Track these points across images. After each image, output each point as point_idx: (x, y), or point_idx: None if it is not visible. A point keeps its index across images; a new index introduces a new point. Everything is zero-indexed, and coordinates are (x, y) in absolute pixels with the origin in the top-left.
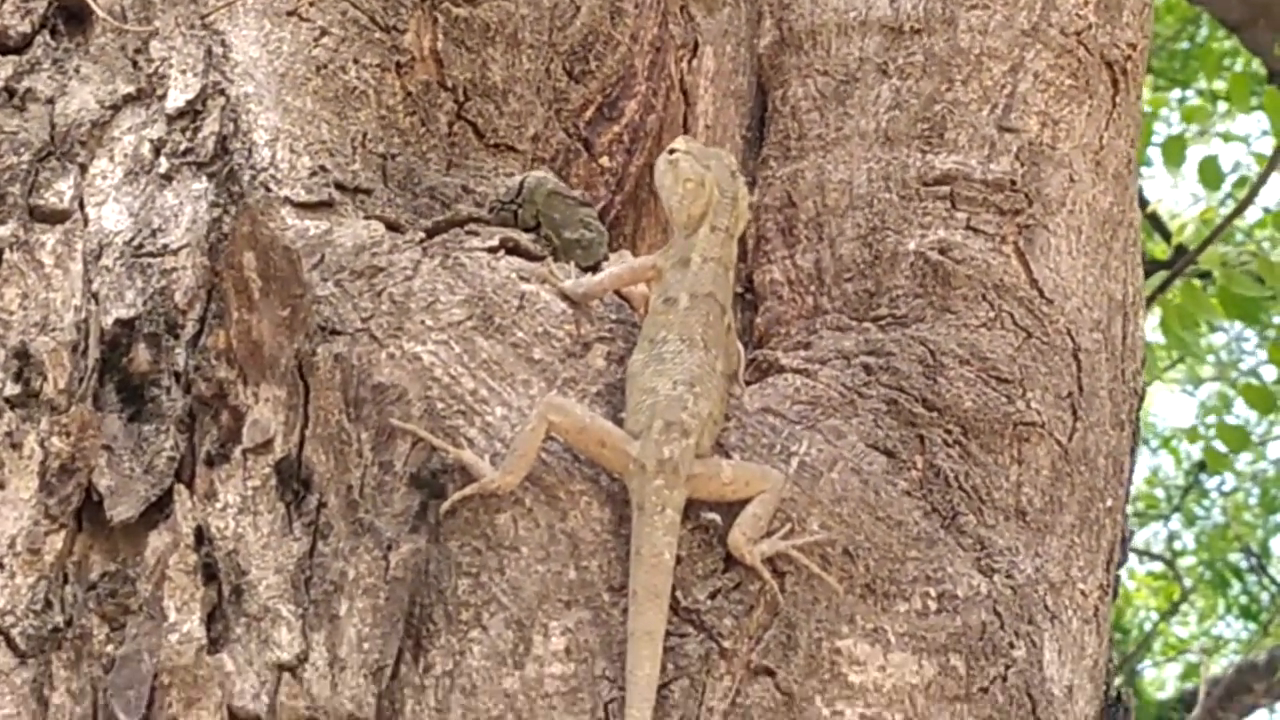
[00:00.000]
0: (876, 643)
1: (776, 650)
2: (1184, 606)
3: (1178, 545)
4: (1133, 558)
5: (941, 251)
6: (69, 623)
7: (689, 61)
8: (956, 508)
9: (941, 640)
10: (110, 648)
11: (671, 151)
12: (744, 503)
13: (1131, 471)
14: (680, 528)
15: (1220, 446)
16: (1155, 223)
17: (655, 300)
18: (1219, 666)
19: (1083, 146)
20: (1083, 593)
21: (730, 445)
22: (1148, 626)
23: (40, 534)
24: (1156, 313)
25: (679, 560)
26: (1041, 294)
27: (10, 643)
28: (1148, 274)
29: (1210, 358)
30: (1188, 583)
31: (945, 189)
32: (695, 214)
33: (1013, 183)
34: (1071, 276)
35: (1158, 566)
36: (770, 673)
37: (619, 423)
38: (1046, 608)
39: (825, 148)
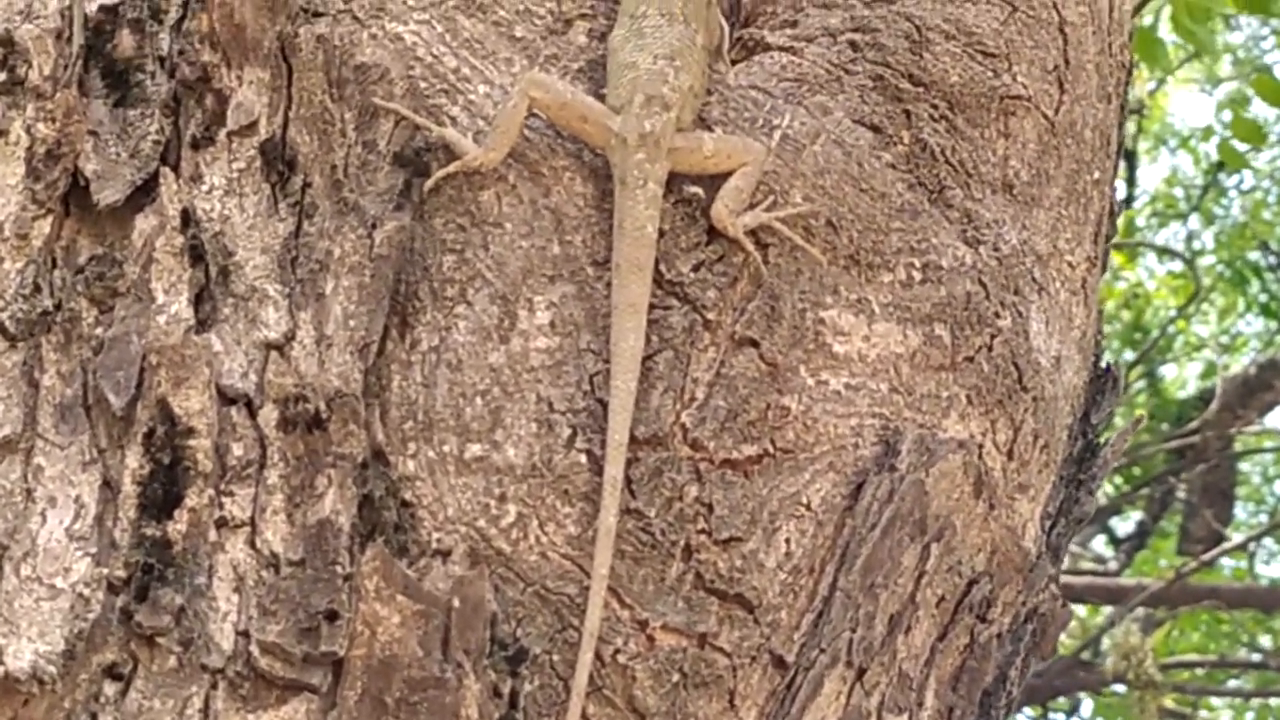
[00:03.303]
0: (861, 313)
1: (760, 321)
2: (1204, 305)
3: (1196, 245)
4: (1151, 257)
5: None
6: (58, 306)
7: None
8: (943, 182)
9: (926, 310)
10: (99, 330)
11: None
12: (726, 175)
13: (1120, 145)
14: (663, 201)
15: (1238, 146)
16: None
17: None
18: (1239, 365)
19: None
20: (1070, 264)
21: (712, 119)
22: (1169, 330)
23: (28, 219)
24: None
25: (662, 233)
26: None
27: (0, 327)
28: None
29: (1228, 57)
30: (1207, 282)
31: None
32: None
33: None
34: None
35: (1177, 266)
36: (754, 343)
37: (601, 98)
38: (1033, 279)
39: None
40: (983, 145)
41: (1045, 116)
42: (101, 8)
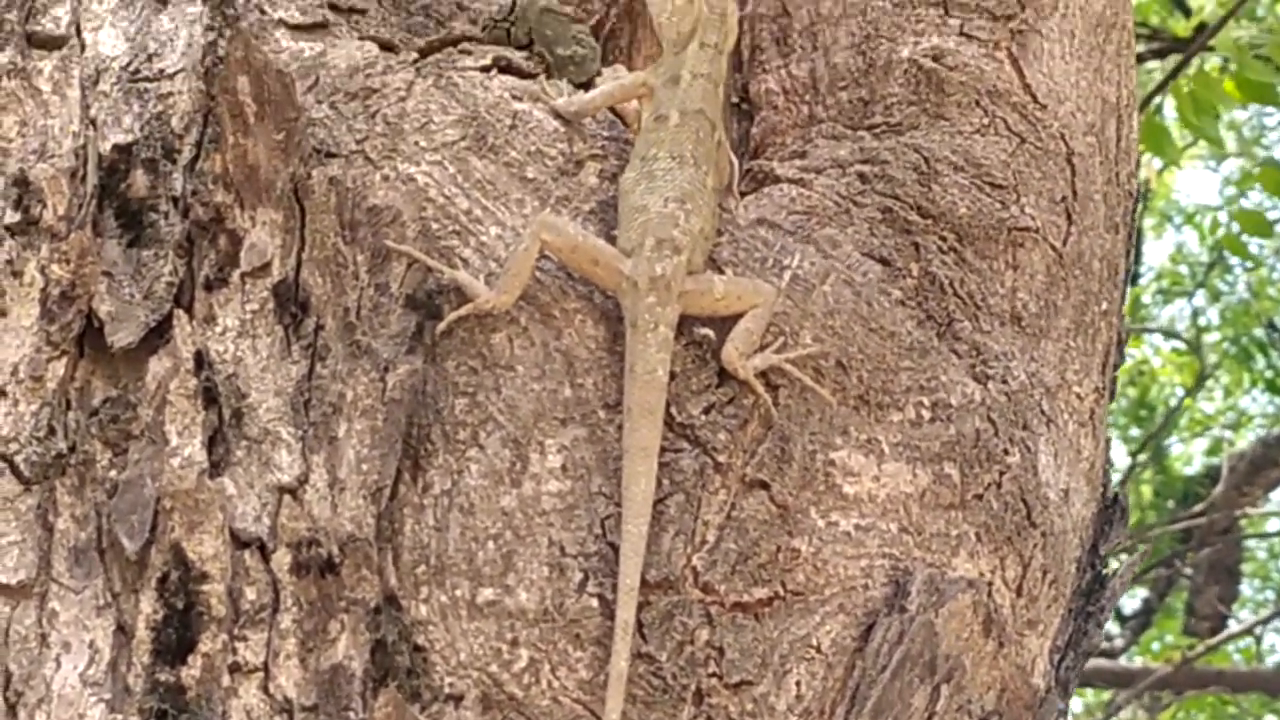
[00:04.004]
0: (870, 453)
1: (771, 463)
2: (1209, 382)
3: (1202, 321)
4: (1157, 335)
5: (935, 58)
6: (72, 449)
7: None
8: (952, 314)
9: (935, 449)
10: (113, 473)
11: None
12: (737, 317)
13: (1128, 274)
14: (673, 344)
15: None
16: (1179, 4)
17: (646, 118)
18: (1245, 441)
19: None
20: (1078, 396)
21: (723, 260)
22: (1173, 403)
23: (42, 361)
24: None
25: (673, 376)
26: (1035, 99)
27: (14, 469)
28: (1166, 53)
29: (1232, 133)
30: (1213, 359)
31: None
32: (684, 31)
33: None
34: (1065, 81)
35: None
36: (765, 486)
37: (612, 240)
38: (1042, 412)
39: None
40: (991, 277)
41: (1053, 248)
42: (115, 147)
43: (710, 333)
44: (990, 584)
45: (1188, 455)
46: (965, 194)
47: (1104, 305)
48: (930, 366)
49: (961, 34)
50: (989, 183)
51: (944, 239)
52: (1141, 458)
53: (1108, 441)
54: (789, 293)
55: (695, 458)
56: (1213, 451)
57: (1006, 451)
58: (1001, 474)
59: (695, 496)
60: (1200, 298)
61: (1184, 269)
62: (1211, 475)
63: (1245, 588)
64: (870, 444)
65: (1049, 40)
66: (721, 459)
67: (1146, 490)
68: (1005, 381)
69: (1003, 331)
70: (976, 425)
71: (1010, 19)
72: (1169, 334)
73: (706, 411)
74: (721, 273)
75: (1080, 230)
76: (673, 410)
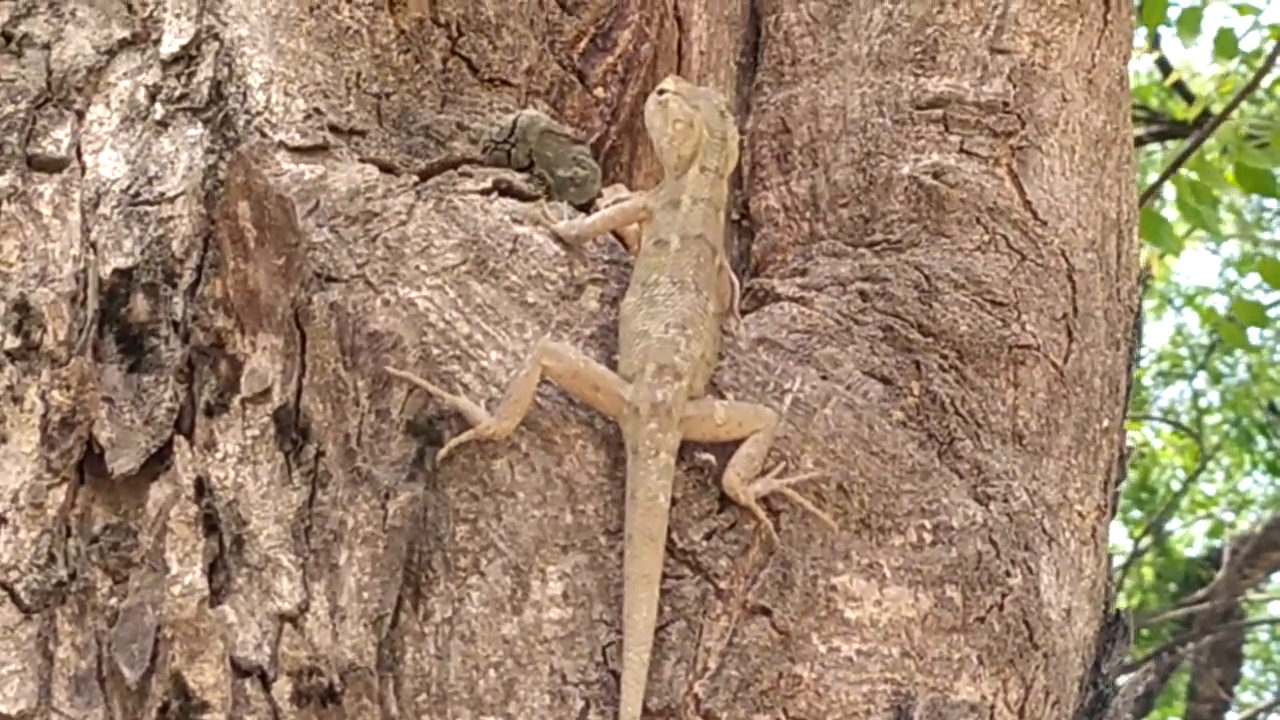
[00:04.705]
0: (872, 577)
1: (772, 589)
2: (1210, 464)
3: (1203, 403)
4: (1156, 413)
5: (935, 175)
6: (72, 576)
7: None
8: (953, 433)
9: (937, 572)
10: (113, 601)
11: (661, 92)
12: (738, 443)
13: (1129, 390)
14: (675, 470)
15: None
16: (1180, 89)
17: (646, 242)
18: (1246, 523)
19: (1075, 66)
20: (1080, 514)
21: (724, 384)
22: (1175, 485)
23: (42, 488)
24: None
25: (674, 502)
26: (1035, 216)
27: (15, 598)
28: (1168, 136)
29: (1231, 215)
30: (1214, 440)
31: (938, 112)
32: (685, 155)
33: (1005, 104)
34: (1065, 197)
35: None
36: (766, 612)
37: (613, 365)
38: (1044, 531)
39: (819, 73)
40: (992, 395)
41: (1054, 365)
42: (116, 271)
43: (711, 458)
44: (993, 707)
45: (1189, 537)
46: (966, 311)
47: (1105, 422)
48: (931, 488)
49: (962, 151)
50: (990, 300)
51: (945, 357)
52: (1143, 542)
53: (1109, 558)
54: (790, 417)
55: (697, 584)
56: (1214, 533)
57: (1008, 573)
58: (1003, 596)
59: (697, 623)
60: (1201, 380)
61: (1184, 351)
62: (1212, 557)
63: (1247, 669)
64: (872, 568)
65: (1049, 157)
66: (723, 585)
67: (1148, 572)
68: (1007, 501)
69: (1004, 450)
70: (978, 547)
71: (1010, 135)
72: (1171, 422)
73: (708, 537)
74: (723, 398)
75: (1081, 347)
76: (674, 536)
